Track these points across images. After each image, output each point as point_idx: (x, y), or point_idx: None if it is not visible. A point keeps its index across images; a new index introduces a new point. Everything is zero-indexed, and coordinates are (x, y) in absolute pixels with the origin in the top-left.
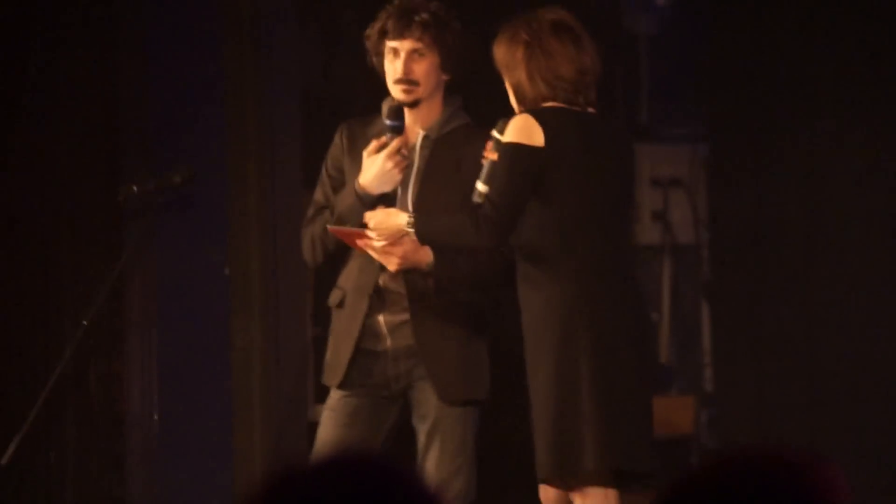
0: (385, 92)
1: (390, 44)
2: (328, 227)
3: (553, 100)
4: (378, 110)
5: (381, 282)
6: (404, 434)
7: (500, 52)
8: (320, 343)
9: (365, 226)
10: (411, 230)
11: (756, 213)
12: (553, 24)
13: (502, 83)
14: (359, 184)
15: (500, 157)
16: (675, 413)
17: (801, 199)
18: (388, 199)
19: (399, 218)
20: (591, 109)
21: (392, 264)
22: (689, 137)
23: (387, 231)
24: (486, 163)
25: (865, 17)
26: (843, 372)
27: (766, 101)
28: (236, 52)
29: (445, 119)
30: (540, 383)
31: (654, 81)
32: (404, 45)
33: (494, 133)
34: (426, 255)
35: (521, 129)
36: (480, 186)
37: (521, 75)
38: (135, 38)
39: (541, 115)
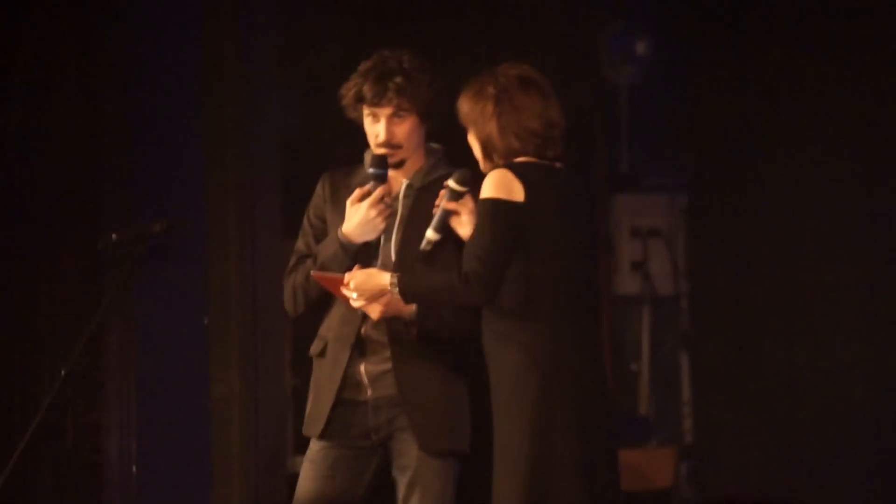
0: (366, 142)
1: (368, 109)
2: (312, 272)
3: (524, 154)
4: (359, 160)
5: (363, 331)
6: (384, 485)
7: (467, 107)
8: (300, 393)
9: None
10: (395, 289)
11: (735, 264)
12: (519, 78)
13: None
14: (342, 232)
15: (482, 213)
16: (654, 465)
17: (781, 250)
18: (370, 248)
19: (381, 278)
20: (557, 164)
21: (375, 313)
22: (669, 188)
23: (369, 292)
24: (437, 211)
25: (848, 68)
26: (822, 423)
27: (746, 151)
28: (217, 101)
29: (429, 168)
30: (514, 436)
31: (633, 131)
32: (383, 112)
33: (451, 183)
34: (409, 305)
35: (501, 184)
36: (430, 234)
37: (492, 129)
38: (116, 88)
39: (518, 169)
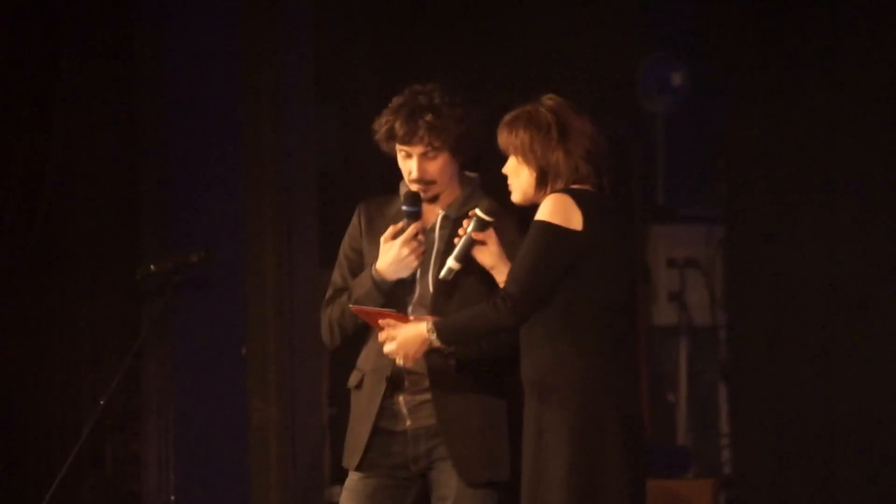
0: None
1: (400, 147)
2: (350, 305)
3: (586, 180)
4: (396, 190)
5: (399, 362)
6: None
7: (522, 135)
8: (337, 422)
9: (385, 306)
10: (433, 335)
11: (772, 294)
12: (570, 105)
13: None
14: (376, 269)
15: (533, 235)
16: (693, 496)
17: (819, 280)
18: (405, 285)
19: (419, 329)
20: (602, 192)
21: (409, 363)
22: (706, 218)
23: (412, 349)
24: (460, 240)
25: (887, 96)
26: (863, 455)
27: (783, 180)
28: (255, 132)
29: (465, 198)
30: (560, 469)
31: (670, 162)
32: (415, 150)
33: (478, 212)
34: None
35: (560, 210)
36: (452, 263)
37: (558, 155)
38: (155, 119)
39: (578, 197)
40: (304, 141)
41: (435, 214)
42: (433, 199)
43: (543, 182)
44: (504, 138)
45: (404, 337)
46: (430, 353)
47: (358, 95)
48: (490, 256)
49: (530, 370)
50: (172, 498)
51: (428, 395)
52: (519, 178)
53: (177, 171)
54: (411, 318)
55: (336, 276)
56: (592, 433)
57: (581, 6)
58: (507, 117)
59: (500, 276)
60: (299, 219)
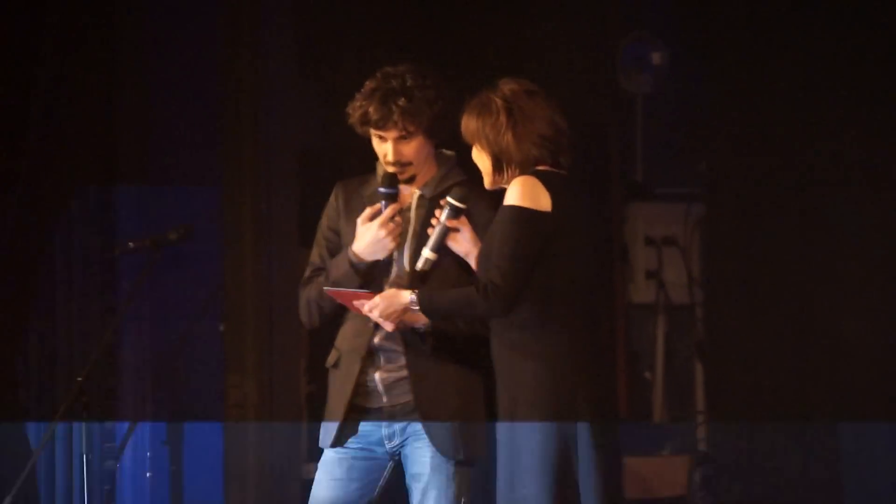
0: None
1: (374, 131)
2: (325, 288)
3: (541, 162)
4: (374, 169)
5: (376, 341)
6: (398, 493)
7: (475, 123)
8: (314, 400)
9: (361, 287)
10: (416, 307)
11: (750, 272)
12: (522, 89)
13: None
14: (352, 251)
15: (506, 221)
16: (668, 473)
17: (795, 258)
18: (382, 265)
19: (402, 298)
20: (564, 173)
21: (389, 325)
22: (684, 196)
23: (394, 314)
24: (434, 229)
25: (863, 74)
26: (835, 430)
27: (761, 160)
28: (234, 111)
29: (441, 176)
30: (536, 447)
31: (648, 140)
32: (389, 135)
33: (450, 199)
34: (422, 315)
35: (528, 193)
36: (428, 254)
37: (508, 140)
38: (133, 97)
39: (544, 178)
40: (284, 119)
41: (411, 195)
42: (410, 181)
43: (499, 167)
44: (462, 128)
45: (388, 303)
46: (406, 330)
47: (338, 76)
48: (464, 243)
49: (501, 349)
50: (148, 474)
51: (403, 373)
52: (482, 164)
53: (156, 148)
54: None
55: (314, 256)
56: (565, 414)
57: None
58: (465, 106)
59: (476, 261)
60: (278, 197)
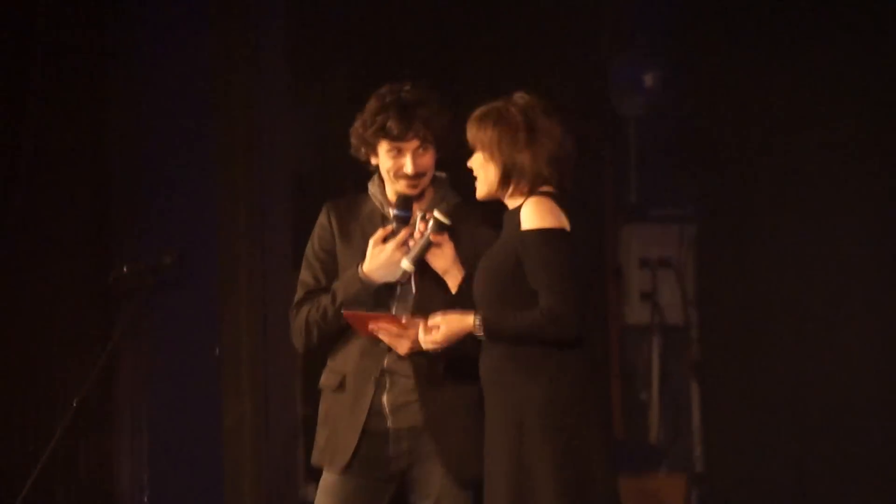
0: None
1: (391, 144)
2: (344, 311)
3: (548, 183)
4: (367, 189)
5: (385, 364)
6: None
7: (491, 132)
8: (310, 423)
9: (375, 310)
10: (481, 334)
11: (744, 293)
12: (541, 105)
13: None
14: (363, 271)
15: (544, 244)
16: (665, 492)
17: (789, 279)
18: (390, 286)
19: (466, 321)
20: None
21: (403, 348)
22: (678, 218)
23: (456, 337)
24: (417, 243)
25: (855, 96)
26: (833, 451)
27: (754, 180)
28: (228, 134)
29: (439, 199)
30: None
31: (642, 162)
32: (408, 146)
33: (437, 214)
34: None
35: (552, 213)
36: (406, 265)
37: (525, 156)
38: (126, 120)
39: (556, 199)
40: (278, 142)
41: (413, 215)
42: (419, 197)
43: (507, 181)
44: (473, 133)
45: (450, 319)
46: (416, 353)
47: (332, 99)
48: (444, 260)
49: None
50: (146, 499)
51: (411, 396)
52: (485, 173)
53: (150, 172)
54: (403, 319)
55: (307, 277)
56: (577, 436)
57: (553, 6)
58: (478, 112)
59: (453, 280)
60: (273, 220)
